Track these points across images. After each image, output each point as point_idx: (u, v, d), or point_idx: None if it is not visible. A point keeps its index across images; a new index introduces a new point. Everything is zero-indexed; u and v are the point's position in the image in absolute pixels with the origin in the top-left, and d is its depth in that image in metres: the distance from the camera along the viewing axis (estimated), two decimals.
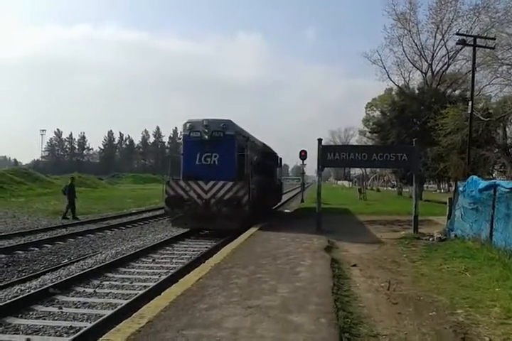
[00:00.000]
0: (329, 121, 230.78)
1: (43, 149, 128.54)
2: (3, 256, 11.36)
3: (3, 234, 14.99)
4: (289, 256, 9.61)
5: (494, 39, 22.26)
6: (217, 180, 14.46)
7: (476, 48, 25.10)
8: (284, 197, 40.90)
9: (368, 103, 63.70)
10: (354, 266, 9.04)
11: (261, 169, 19.17)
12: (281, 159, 27.14)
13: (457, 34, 22.19)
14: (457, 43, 22.17)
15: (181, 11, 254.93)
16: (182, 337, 4.52)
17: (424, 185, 59.93)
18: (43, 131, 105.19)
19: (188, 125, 15.33)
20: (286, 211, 25.64)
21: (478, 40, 22.25)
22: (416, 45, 38.71)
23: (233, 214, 14.27)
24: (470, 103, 17.47)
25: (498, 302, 6.33)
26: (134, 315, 5.15)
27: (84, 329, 5.80)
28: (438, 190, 70.84)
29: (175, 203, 14.63)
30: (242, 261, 8.91)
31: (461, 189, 12.75)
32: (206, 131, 14.83)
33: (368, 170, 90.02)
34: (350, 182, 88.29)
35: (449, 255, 10.10)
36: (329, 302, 5.92)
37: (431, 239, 12.65)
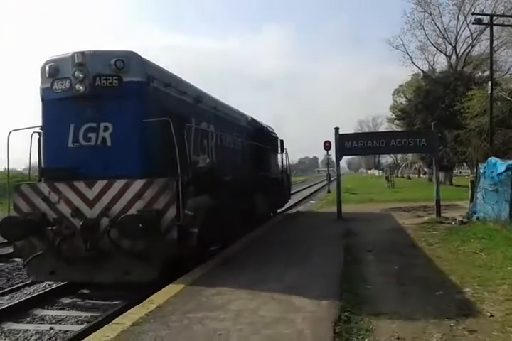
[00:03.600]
0: (358, 110, 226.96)
1: None
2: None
3: None
4: None
5: None
6: (112, 178, 7.11)
7: (502, 27, 24.43)
8: (312, 189, 40.92)
9: (395, 89, 62.55)
10: (370, 251, 9.09)
11: (235, 155, 11.95)
12: (282, 142, 17.99)
13: (473, 14, 21.64)
14: (473, 23, 21.66)
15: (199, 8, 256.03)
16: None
17: (457, 170, 58.79)
18: None
19: (47, 68, 7.52)
20: (311, 203, 25.64)
21: (499, 19, 21.66)
22: (438, 28, 38.08)
23: (145, 250, 6.84)
24: (490, 83, 17.06)
25: (508, 280, 6.33)
26: (144, 301, 5.45)
27: None
28: (472, 175, 69.21)
29: (27, 230, 7.15)
30: None
31: (481, 171, 12.57)
32: (82, 76, 7.18)
33: (400, 158, 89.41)
34: (381, 171, 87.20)
35: (468, 237, 10.02)
36: (335, 284, 6.06)
37: (453, 223, 12.54)
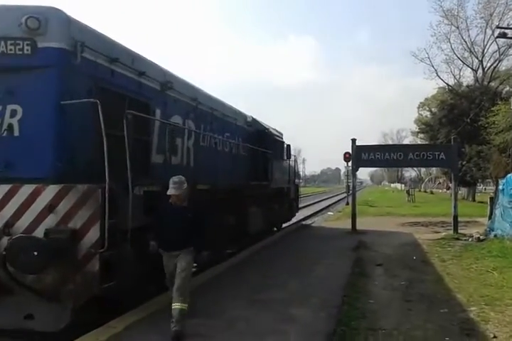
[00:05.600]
0: (383, 122, 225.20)
1: None
2: None
3: None
4: None
5: None
6: (18, 181, 5.15)
7: None
8: (332, 200, 40.53)
9: (421, 103, 61.81)
10: (379, 265, 8.93)
11: (223, 159, 9.61)
12: (289, 147, 15.70)
13: (497, 27, 21.27)
14: (497, 37, 21.26)
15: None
16: None
17: (483, 187, 57.52)
18: None
19: None
20: (328, 215, 25.37)
21: None
22: (465, 42, 37.45)
23: (54, 287, 4.95)
24: None
25: None
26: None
27: None
28: None
29: None
30: None
31: (500, 187, 12.26)
32: None
33: (423, 172, 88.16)
34: (403, 185, 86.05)
35: (482, 255, 9.79)
36: (336, 297, 5.95)
37: (469, 240, 12.26)
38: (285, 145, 15.29)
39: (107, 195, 4.81)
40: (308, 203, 33.88)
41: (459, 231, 13.75)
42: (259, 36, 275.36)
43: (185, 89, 8.29)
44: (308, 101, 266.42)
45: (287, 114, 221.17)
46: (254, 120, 12.81)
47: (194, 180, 7.02)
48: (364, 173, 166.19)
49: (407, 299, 6.31)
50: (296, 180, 17.44)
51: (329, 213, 25.77)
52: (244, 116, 12.20)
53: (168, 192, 4.99)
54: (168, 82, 7.49)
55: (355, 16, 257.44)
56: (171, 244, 4.96)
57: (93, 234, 4.84)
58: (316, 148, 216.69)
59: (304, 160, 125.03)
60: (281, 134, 15.46)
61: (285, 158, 15.22)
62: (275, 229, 15.25)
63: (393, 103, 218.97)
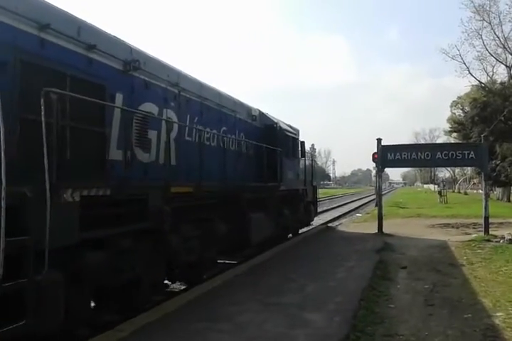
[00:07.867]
0: (415, 122, 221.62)
1: None
2: None
3: None
4: None
5: None
6: None
7: None
8: (362, 201, 39.92)
9: (453, 101, 60.38)
10: (404, 268, 8.67)
11: (218, 157, 8.39)
12: (303, 144, 14.41)
13: None
14: None
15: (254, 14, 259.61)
16: None
17: None
18: None
19: None
20: (356, 216, 24.97)
21: None
22: (498, 38, 36.24)
23: None
24: None
25: None
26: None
27: None
28: None
29: None
30: None
31: None
32: None
33: (457, 172, 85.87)
34: (436, 186, 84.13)
35: None
36: (354, 301, 5.78)
37: (501, 241, 11.81)
38: (299, 142, 13.95)
39: (3, 203, 3.33)
40: (336, 205, 33.51)
41: (491, 232, 13.25)
42: (285, 36, 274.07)
43: (162, 72, 6.85)
44: (339, 101, 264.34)
45: (316, 115, 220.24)
46: (261, 113, 11.58)
47: (167, 181, 5.93)
48: (396, 174, 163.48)
49: (429, 303, 6.08)
50: (315, 182, 16.11)
51: (357, 215, 25.36)
52: (248, 109, 10.91)
53: None
54: (134, 61, 6.01)
55: (383, 14, 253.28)
56: None
57: None
58: (346, 149, 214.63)
59: (334, 161, 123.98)
60: (297, 131, 14.04)
61: (299, 156, 13.91)
62: (290, 235, 13.61)
63: (426, 102, 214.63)
